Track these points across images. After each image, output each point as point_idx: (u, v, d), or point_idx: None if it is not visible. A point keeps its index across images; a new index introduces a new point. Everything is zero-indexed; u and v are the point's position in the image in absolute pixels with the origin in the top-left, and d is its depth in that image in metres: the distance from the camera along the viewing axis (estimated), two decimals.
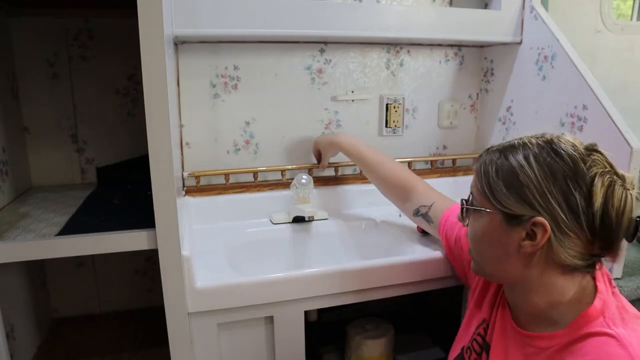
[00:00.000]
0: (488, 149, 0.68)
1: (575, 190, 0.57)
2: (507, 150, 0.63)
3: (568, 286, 0.61)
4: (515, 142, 0.64)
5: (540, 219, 0.58)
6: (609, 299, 0.60)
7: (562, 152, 0.59)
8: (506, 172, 0.61)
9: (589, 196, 0.57)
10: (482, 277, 0.76)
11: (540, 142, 0.61)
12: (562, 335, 0.60)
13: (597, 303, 0.59)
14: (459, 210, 0.72)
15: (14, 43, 1.27)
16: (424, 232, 1.09)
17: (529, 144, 0.62)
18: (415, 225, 1.12)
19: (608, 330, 0.56)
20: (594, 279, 0.62)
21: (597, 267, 0.63)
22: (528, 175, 0.59)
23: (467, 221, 0.70)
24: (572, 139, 0.61)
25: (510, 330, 0.69)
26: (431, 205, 1.00)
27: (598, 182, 0.57)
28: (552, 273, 0.61)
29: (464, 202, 0.70)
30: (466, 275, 0.89)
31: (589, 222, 0.57)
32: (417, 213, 1.03)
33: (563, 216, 0.58)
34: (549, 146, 0.60)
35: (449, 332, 0.91)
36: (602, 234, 0.58)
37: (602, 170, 0.58)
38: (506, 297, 0.71)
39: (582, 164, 0.58)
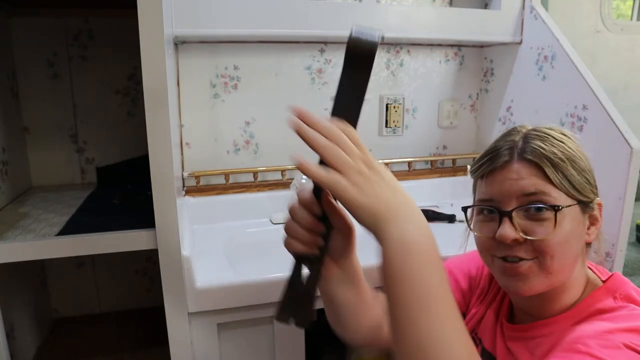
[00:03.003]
0: (507, 140, 0.61)
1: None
2: (547, 141, 0.59)
3: (583, 269, 0.62)
4: (536, 133, 0.60)
5: (598, 199, 0.60)
6: (617, 280, 0.60)
7: (574, 136, 0.62)
8: (569, 159, 0.58)
9: None
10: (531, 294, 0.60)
11: (560, 131, 0.62)
12: (565, 318, 0.58)
13: (606, 285, 0.59)
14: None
15: (14, 43, 1.27)
16: None
17: (549, 132, 0.61)
18: None
19: (623, 304, 0.56)
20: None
21: (593, 265, 0.64)
22: (581, 159, 0.59)
23: (541, 230, 0.56)
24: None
25: (506, 329, 0.65)
26: None
27: None
28: (582, 258, 0.61)
29: (534, 208, 0.57)
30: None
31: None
32: None
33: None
34: (564, 134, 0.62)
35: None
36: None
37: None
38: (518, 304, 0.66)
39: None
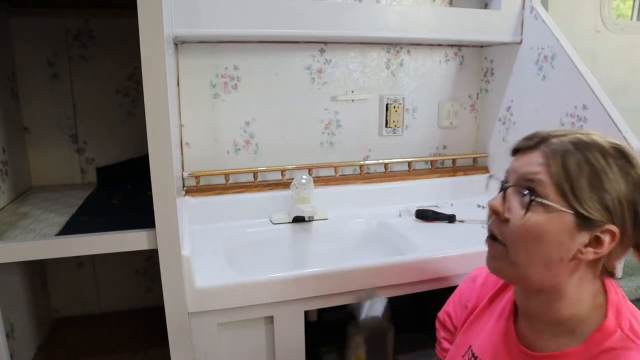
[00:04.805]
0: (551, 134, 0.60)
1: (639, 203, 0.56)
2: (581, 145, 0.57)
3: (591, 291, 0.59)
4: (582, 137, 0.58)
5: (613, 227, 0.55)
6: (620, 305, 0.59)
7: (635, 163, 0.57)
8: (590, 171, 0.55)
9: None
10: (500, 278, 0.67)
11: (613, 146, 0.58)
12: (578, 353, 0.57)
13: (611, 313, 0.58)
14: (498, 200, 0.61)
15: (14, 43, 1.27)
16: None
17: (601, 144, 0.57)
18: (414, 219, 1.10)
19: (632, 344, 0.55)
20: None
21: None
22: (611, 180, 0.55)
23: (515, 212, 0.59)
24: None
25: (515, 352, 0.64)
26: None
27: None
28: (587, 280, 0.59)
29: (522, 190, 0.58)
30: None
31: None
32: None
33: (630, 227, 0.56)
34: (622, 153, 0.57)
35: None
36: None
37: None
38: (519, 306, 0.66)
39: None
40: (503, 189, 0.61)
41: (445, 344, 0.82)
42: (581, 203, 0.55)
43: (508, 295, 0.71)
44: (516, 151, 0.63)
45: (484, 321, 0.73)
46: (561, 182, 0.56)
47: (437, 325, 0.85)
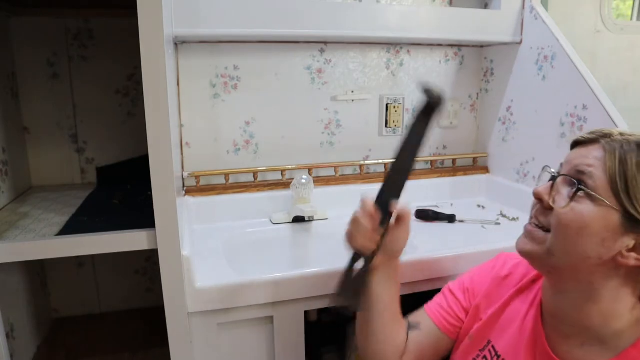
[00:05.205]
0: (616, 132, 0.58)
1: None
2: None
3: (629, 304, 0.57)
4: None
5: None
6: None
7: None
8: None
9: None
10: (527, 260, 0.63)
11: None
12: None
13: None
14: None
15: (14, 43, 1.27)
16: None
17: None
18: (414, 219, 1.11)
19: None
20: None
21: None
22: None
23: (562, 201, 0.57)
24: None
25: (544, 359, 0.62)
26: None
27: None
28: (626, 293, 0.56)
29: (572, 180, 0.57)
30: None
31: None
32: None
33: None
34: None
35: None
36: None
37: None
38: (544, 304, 0.65)
39: None
40: (553, 178, 0.60)
41: (454, 309, 0.78)
42: (633, 203, 0.53)
43: (534, 293, 0.69)
44: (575, 144, 0.62)
45: (507, 318, 0.70)
46: (615, 178, 0.54)
47: (454, 288, 0.80)
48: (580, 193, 0.56)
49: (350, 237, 0.71)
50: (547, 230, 0.59)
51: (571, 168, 0.59)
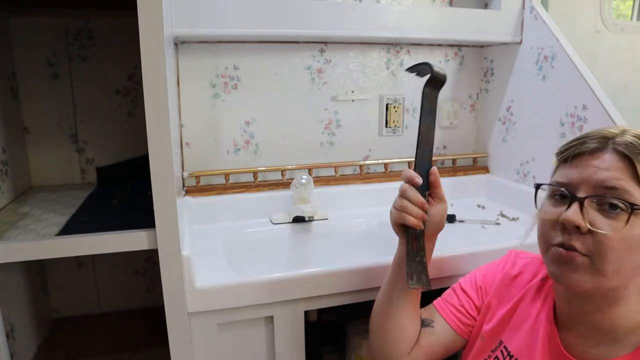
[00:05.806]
0: (620, 130, 0.57)
1: None
2: None
3: None
4: None
5: None
6: None
7: None
8: None
9: None
10: (573, 289, 0.58)
11: None
12: None
13: None
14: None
15: (14, 43, 1.27)
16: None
17: None
18: None
19: None
20: None
21: None
22: None
23: (604, 225, 0.54)
24: None
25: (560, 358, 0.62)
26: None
27: None
28: None
29: (617, 201, 0.53)
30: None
31: None
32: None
33: None
34: None
35: None
36: None
37: None
38: (558, 308, 0.64)
39: None
40: (577, 200, 0.55)
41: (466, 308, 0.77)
42: None
43: (546, 292, 0.68)
44: (577, 155, 0.58)
45: (519, 318, 0.69)
46: None
47: (466, 287, 0.79)
48: (633, 214, 0.52)
49: (401, 211, 0.70)
50: (584, 254, 0.55)
51: (596, 186, 0.55)
